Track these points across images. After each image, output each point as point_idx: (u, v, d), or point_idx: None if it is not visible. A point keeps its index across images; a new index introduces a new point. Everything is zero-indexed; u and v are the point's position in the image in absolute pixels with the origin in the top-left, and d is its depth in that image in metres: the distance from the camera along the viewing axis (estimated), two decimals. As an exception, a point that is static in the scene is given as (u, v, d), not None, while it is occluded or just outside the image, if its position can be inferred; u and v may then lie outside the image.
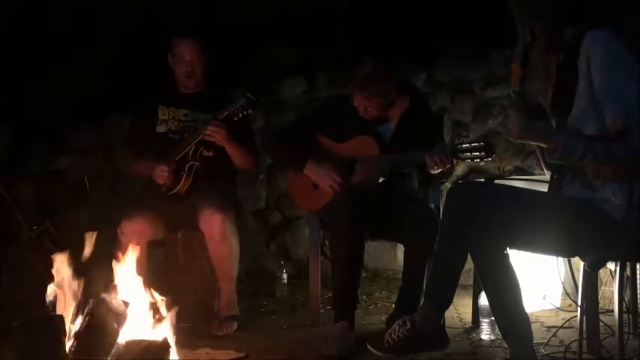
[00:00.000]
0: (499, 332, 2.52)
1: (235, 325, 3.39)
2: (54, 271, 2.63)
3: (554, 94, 2.54)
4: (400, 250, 4.34)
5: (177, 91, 3.64)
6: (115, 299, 2.63)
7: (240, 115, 3.34)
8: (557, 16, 2.44)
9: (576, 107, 2.39)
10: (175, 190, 3.46)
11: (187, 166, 3.44)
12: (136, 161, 3.63)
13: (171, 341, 2.65)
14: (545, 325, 3.35)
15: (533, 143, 2.47)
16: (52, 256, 2.64)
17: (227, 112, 3.35)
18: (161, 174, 3.44)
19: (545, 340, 2.98)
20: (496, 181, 3.37)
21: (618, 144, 2.26)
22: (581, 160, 2.31)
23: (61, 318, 2.56)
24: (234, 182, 3.69)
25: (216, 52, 3.67)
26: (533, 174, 4.25)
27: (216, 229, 3.30)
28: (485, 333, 3.24)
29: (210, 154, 3.48)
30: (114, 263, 2.75)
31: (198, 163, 3.45)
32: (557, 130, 2.47)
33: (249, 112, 3.37)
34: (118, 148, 4.37)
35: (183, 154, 3.44)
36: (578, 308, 2.69)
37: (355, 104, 3.32)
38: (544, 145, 2.41)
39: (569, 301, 3.27)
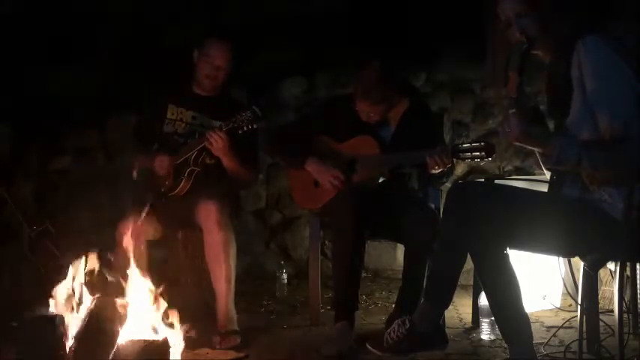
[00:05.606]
0: (499, 332, 2.52)
1: (238, 339, 3.19)
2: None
3: (550, 97, 2.54)
4: (400, 250, 4.35)
5: (190, 92, 3.61)
6: (116, 299, 2.64)
7: (245, 128, 3.30)
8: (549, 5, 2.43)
9: (572, 110, 2.39)
10: (174, 193, 3.46)
11: (188, 170, 3.43)
12: (140, 155, 3.62)
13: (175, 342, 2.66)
14: (545, 325, 3.36)
15: (528, 148, 2.48)
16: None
17: (232, 124, 3.31)
18: (161, 164, 3.44)
19: (545, 340, 2.98)
20: (496, 181, 3.37)
21: (615, 151, 2.27)
22: (576, 167, 2.32)
23: (60, 318, 2.57)
24: (234, 184, 3.69)
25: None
26: (533, 174, 4.24)
27: (212, 217, 3.25)
28: (485, 333, 3.24)
29: (212, 162, 3.46)
30: (114, 262, 2.76)
31: (199, 169, 3.45)
32: (556, 132, 2.48)
33: (254, 126, 3.32)
34: (122, 145, 4.37)
35: (185, 159, 3.44)
36: (578, 308, 2.69)
37: (357, 109, 3.32)
38: (540, 151, 2.42)
39: (569, 301, 3.27)
